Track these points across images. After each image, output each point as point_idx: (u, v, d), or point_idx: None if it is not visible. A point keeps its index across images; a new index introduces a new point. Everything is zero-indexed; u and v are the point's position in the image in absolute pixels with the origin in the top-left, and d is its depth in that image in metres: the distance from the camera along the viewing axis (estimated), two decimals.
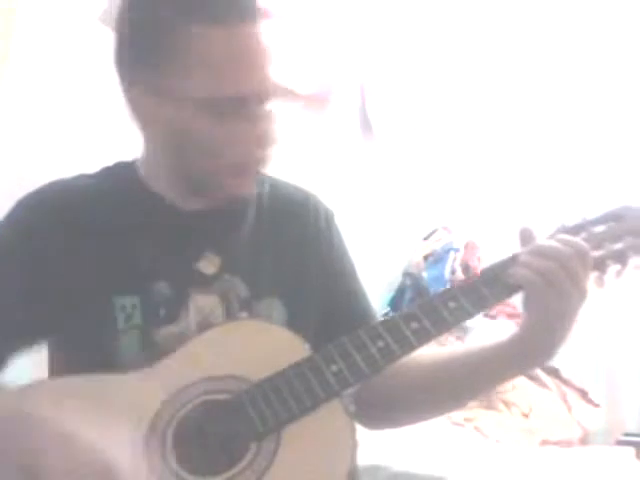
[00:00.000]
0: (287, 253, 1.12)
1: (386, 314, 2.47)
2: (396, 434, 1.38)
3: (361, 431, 1.03)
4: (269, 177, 1.16)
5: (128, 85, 1.02)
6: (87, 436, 0.86)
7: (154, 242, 1.05)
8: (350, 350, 0.96)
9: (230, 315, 1.06)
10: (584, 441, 2.35)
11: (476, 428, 2.25)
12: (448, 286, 2.66)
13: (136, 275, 1.03)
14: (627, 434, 2.53)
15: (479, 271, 1.03)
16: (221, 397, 0.96)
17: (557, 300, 0.95)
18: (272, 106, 1.02)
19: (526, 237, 1.00)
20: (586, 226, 1.02)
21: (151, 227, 1.06)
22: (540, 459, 2.11)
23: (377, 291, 2.60)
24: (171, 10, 0.98)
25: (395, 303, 2.78)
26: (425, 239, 2.92)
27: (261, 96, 1.00)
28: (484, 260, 2.79)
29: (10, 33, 1.62)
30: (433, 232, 2.92)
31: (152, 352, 1.00)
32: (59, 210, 1.05)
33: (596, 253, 0.99)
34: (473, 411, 2.28)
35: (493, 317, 2.53)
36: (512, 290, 0.98)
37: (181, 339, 1.01)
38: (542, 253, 0.96)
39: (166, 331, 1.03)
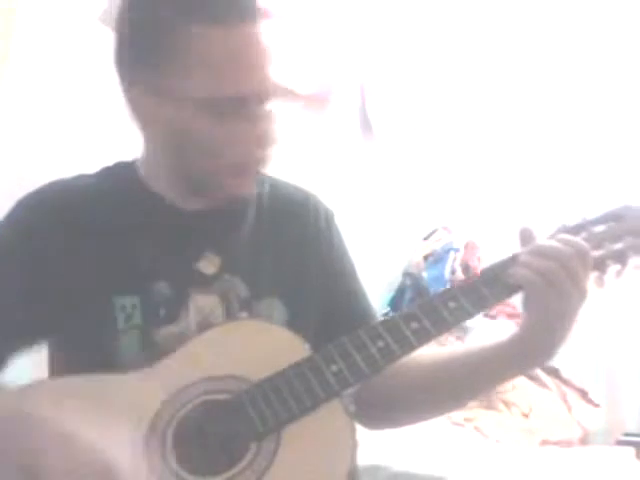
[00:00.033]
0: (287, 253, 1.12)
1: (386, 314, 2.47)
2: (396, 434, 1.38)
3: (361, 431, 1.03)
4: (269, 177, 1.16)
5: (128, 85, 1.02)
6: (87, 436, 0.86)
7: (154, 242, 1.05)
8: (350, 350, 0.96)
9: (230, 315, 1.06)
10: (584, 441, 2.35)
11: (476, 428, 2.25)
12: (448, 286, 2.66)
13: (136, 275, 1.03)
14: (627, 434, 2.53)
15: (479, 271, 1.03)
16: (221, 397, 0.96)
17: (557, 300, 0.95)
18: (272, 106, 1.02)
19: (526, 237, 1.00)
20: (586, 226, 1.02)
21: (151, 227, 1.06)
22: (540, 459, 2.11)
23: (377, 291, 2.60)
24: (171, 10, 0.98)
25: (395, 303, 2.78)
26: (425, 239, 2.92)
27: (261, 96, 1.00)
28: (484, 260, 2.79)
29: (10, 33, 1.62)
30: (433, 232, 2.92)
31: (152, 352, 1.00)
32: (59, 210, 1.05)
33: (596, 253, 0.99)
34: (473, 411, 2.28)
35: (493, 317, 2.53)
36: (512, 290, 0.98)
37: (181, 339, 1.01)
38: (542, 253, 0.96)
39: (166, 331, 1.03)
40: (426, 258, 2.83)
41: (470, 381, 1.05)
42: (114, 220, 1.05)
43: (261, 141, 1.01)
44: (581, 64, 2.88)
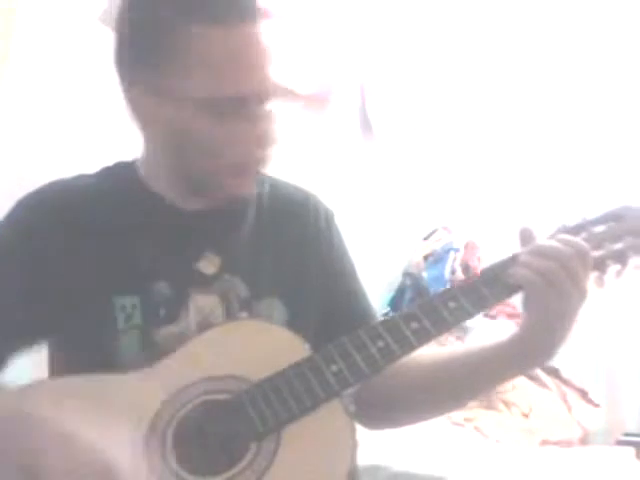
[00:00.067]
0: (287, 253, 1.12)
1: (386, 314, 2.47)
2: (396, 434, 1.38)
3: (361, 431, 1.03)
4: (269, 177, 1.16)
5: (128, 85, 1.02)
6: (87, 436, 0.86)
7: (154, 242, 1.05)
8: (350, 350, 0.96)
9: (230, 315, 1.05)
10: (584, 441, 2.35)
11: (476, 428, 2.25)
12: (448, 286, 2.67)
13: (136, 275, 1.03)
14: (627, 434, 2.53)
15: (479, 271, 1.03)
16: (221, 397, 0.96)
17: (557, 300, 0.95)
18: (272, 106, 1.02)
19: (526, 237, 1.00)
20: (586, 226, 1.01)
21: (151, 227, 1.06)
22: (540, 459, 2.10)
23: (377, 291, 2.60)
24: (171, 10, 0.98)
25: (395, 303, 2.78)
26: (425, 239, 2.91)
27: (261, 96, 1.00)
28: (484, 260, 2.79)
29: (10, 33, 1.62)
30: (433, 232, 2.92)
31: (152, 352, 1.00)
32: (59, 210, 1.05)
33: (596, 253, 0.99)
34: (473, 411, 2.28)
35: (493, 317, 2.53)
36: (512, 290, 0.98)
37: (181, 339, 1.01)
38: (542, 253, 0.96)
39: (166, 331, 1.02)
40: (426, 258, 2.83)
41: (470, 381, 1.05)
42: (114, 220, 1.05)
43: (261, 141, 1.01)
44: (581, 64, 2.88)
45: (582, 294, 0.96)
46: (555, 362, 2.40)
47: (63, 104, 1.73)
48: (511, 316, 2.53)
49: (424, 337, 0.97)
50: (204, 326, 1.03)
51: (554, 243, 0.97)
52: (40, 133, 1.70)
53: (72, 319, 1.02)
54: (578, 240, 0.97)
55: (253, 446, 0.92)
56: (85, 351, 1.03)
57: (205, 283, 1.06)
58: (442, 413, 1.18)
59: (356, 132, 2.75)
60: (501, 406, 2.34)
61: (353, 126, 2.74)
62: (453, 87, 2.96)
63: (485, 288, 0.98)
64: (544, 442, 2.27)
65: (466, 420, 2.26)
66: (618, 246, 1.00)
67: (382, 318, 1.02)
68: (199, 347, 1.00)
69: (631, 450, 2.30)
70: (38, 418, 0.88)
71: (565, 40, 2.89)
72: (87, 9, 1.76)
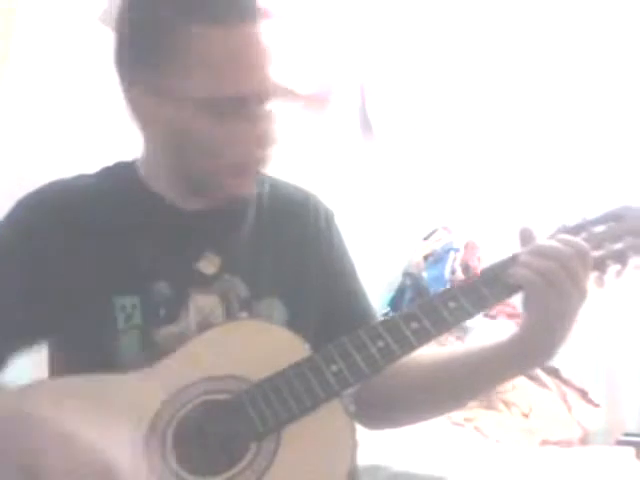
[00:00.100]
0: (287, 253, 1.12)
1: (386, 314, 2.47)
2: (396, 434, 1.38)
3: (361, 431, 1.03)
4: (269, 177, 1.16)
5: (128, 85, 1.02)
6: (87, 436, 0.86)
7: (154, 242, 1.05)
8: (350, 350, 0.96)
9: (230, 315, 1.05)
10: (584, 441, 2.35)
11: (476, 428, 2.25)
12: (448, 286, 2.67)
13: (136, 275, 1.03)
14: (627, 434, 2.53)
15: (479, 271, 1.03)
16: (221, 397, 0.96)
17: (557, 300, 0.95)
18: (272, 106, 1.02)
19: (526, 237, 1.00)
20: (586, 226, 1.01)
21: (151, 227, 1.06)
22: (540, 459, 2.10)
23: (377, 291, 2.60)
24: (171, 10, 0.98)
25: (395, 303, 2.78)
26: (425, 239, 2.91)
27: (261, 96, 1.00)
28: (484, 260, 2.79)
29: (10, 33, 1.62)
30: (433, 232, 2.92)
31: (152, 352, 1.00)
32: (59, 210, 1.05)
33: (596, 253, 0.99)
34: (473, 411, 2.28)
35: (493, 317, 2.53)
36: (512, 290, 0.98)
37: (181, 339, 1.01)
38: (542, 253, 0.96)
39: (166, 331, 1.02)
40: (426, 258, 2.83)
41: (470, 381, 1.05)
42: (114, 220, 1.05)
43: (261, 141, 1.01)
44: (581, 64, 2.88)
45: (582, 294, 0.96)
46: (555, 362, 2.40)
47: (63, 104, 1.73)
48: (511, 316, 2.53)
49: (424, 337, 0.97)
50: (204, 326, 1.03)
51: (554, 243, 0.97)
52: (40, 133, 1.70)
53: (72, 319, 1.02)
54: (578, 240, 0.97)
55: (253, 446, 0.92)
56: (85, 351, 1.03)
57: (205, 283, 1.06)
58: (442, 413, 1.18)
59: (356, 132, 2.75)
60: (501, 406, 2.34)
61: (353, 126, 2.74)
62: (453, 87, 2.96)
63: (485, 288, 0.98)
64: (544, 442, 2.27)
65: (466, 420, 2.26)
66: (618, 246, 1.00)
67: (382, 318, 1.02)
68: (199, 347, 1.00)
69: (631, 450, 2.30)
70: (38, 418, 0.88)
71: (565, 40, 2.89)
72: (87, 9, 1.76)
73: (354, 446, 0.93)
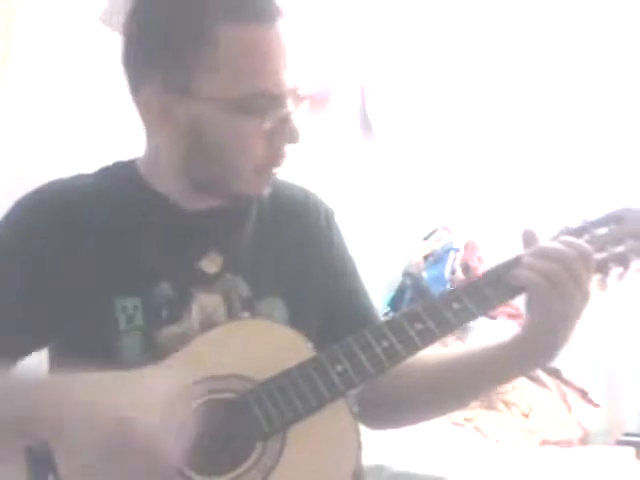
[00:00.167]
0: (288, 252, 1.11)
1: (386, 314, 2.47)
2: (396, 434, 1.37)
3: (362, 431, 1.03)
4: None
5: (139, 84, 1.01)
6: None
7: (157, 242, 1.04)
8: (355, 350, 0.96)
9: (232, 315, 1.05)
10: (584, 441, 2.35)
11: (476, 428, 2.25)
12: (448, 286, 2.67)
13: (138, 276, 1.03)
14: (627, 434, 2.53)
15: (482, 272, 1.03)
16: (225, 396, 0.96)
17: (560, 302, 0.95)
18: (295, 103, 1.01)
19: (529, 239, 1.00)
20: (589, 228, 1.02)
21: (154, 227, 1.05)
22: (540, 459, 2.11)
23: (377, 291, 2.60)
24: (197, 8, 0.97)
25: (395, 303, 2.78)
26: (425, 239, 2.92)
27: (289, 94, 0.99)
28: (484, 260, 2.79)
29: (10, 33, 1.62)
30: (433, 232, 2.92)
31: (154, 353, 1.00)
32: (58, 210, 1.04)
33: (599, 255, 0.99)
34: (473, 411, 2.28)
35: (494, 317, 2.53)
36: (515, 292, 0.98)
37: (184, 339, 1.01)
38: (545, 255, 0.96)
39: (168, 331, 1.02)
40: (426, 258, 2.83)
41: (473, 381, 1.05)
42: (114, 220, 1.04)
43: (289, 139, 1.01)
44: (581, 65, 2.88)
45: (585, 296, 0.96)
46: (556, 362, 2.40)
47: (63, 104, 1.73)
48: (512, 316, 2.53)
49: (428, 338, 0.97)
50: (207, 325, 1.03)
51: (557, 245, 0.97)
52: (40, 133, 1.70)
53: (72, 320, 1.02)
54: (581, 242, 0.98)
55: (259, 446, 0.92)
56: (86, 352, 1.02)
57: (207, 282, 1.05)
58: (445, 413, 1.19)
59: (356, 132, 2.75)
60: (501, 406, 2.34)
61: (353, 126, 2.74)
62: (453, 87, 2.96)
63: (489, 289, 0.98)
64: (544, 442, 2.28)
65: (466, 420, 2.26)
66: (620, 249, 1.00)
67: (386, 318, 1.02)
68: (202, 346, 1.00)
69: (631, 450, 2.30)
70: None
71: (565, 40, 2.89)
72: (87, 9, 1.76)
73: (359, 446, 0.93)
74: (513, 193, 2.91)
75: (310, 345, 1.01)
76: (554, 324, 0.96)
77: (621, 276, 1.00)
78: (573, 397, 2.46)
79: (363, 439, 0.95)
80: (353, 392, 1.03)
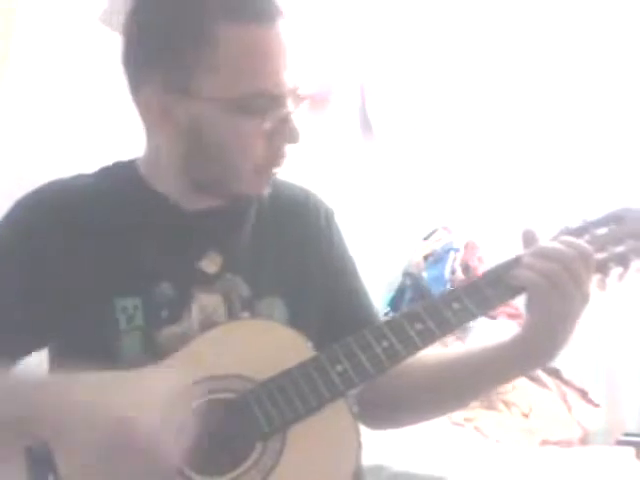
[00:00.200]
0: (288, 252, 1.11)
1: (386, 314, 2.47)
2: (396, 434, 1.37)
3: (362, 431, 1.03)
4: None
5: (139, 83, 1.01)
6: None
7: (157, 242, 1.04)
8: (355, 350, 0.96)
9: (232, 315, 1.05)
10: (584, 441, 2.35)
11: (476, 428, 2.25)
12: (448, 286, 2.67)
13: (138, 276, 1.02)
14: (627, 434, 2.53)
15: (482, 272, 1.03)
16: (225, 396, 0.96)
17: (560, 302, 0.95)
18: (295, 103, 1.01)
19: (529, 239, 1.00)
20: (589, 228, 1.02)
21: (154, 227, 1.05)
22: (540, 459, 2.11)
23: (377, 291, 2.60)
24: (197, 8, 0.97)
25: (395, 303, 2.78)
26: (425, 239, 2.92)
27: (287, 94, 0.99)
28: (484, 260, 2.79)
29: (10, 33, 1.62)
30: (433, 232, 2.92)
31: (154, 353, 1.00)
32: (58, 210, 1.04)
33: (599, 256, 0.99)
34: (473, 411, 2.28)
35: (493, 317, 2.53)
36: (516, 292, 0.98)
37: (184, 339, 1.01)
38: (545, 255, 0.96)
39: (168, 331, 1.02)
40: (426, 258, 2.83)
41: (473, 381, 1.05)
42: (114, 220, 1.04)
43: (289, 139, 1.01)
44: (581, 65, 2.88)
45: (585, 296, 0.96)
46: (556, 362, 2.40)
47: (63, 104, 1.73)
48: (512, 316, 2.53)
49: (429, 338, 0.97)
50: (207, 325, 1.03)
51: (557, 245, 0.97)
52: (40, 133, 1.70)
53: (72, 319, 1.02)
54: (581, 242, 0.98)
55: (259, 446, 0.92)
56: (86, 352, 1.02)
57: (207, 282, 1.05)
58: (445, 413, 1.19)
59: (356, 132, 2.75)
60: (501, 406, 2.34)
61: (353, 126, 2.74)
62: (453, 87, 2.96)
63: (489, 289, 0.98)
64: (544, 442, 2.28)
65: (466, 420, 2.26)
66: (620, 249, 1.00)
67: (386, 318, 1.02)
68: (202, 346, 1.00)
69: (631, 450, 2.30)
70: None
71: (565, 40, 2.89)
72: (87, 9, 1.76)
73: (359, 446, 0.93)
74: (513, 193, 2.92)
75: (310, 345, 1.01)
76: (554, 324, 0.96)
77: (621, 276, 1.00)
78: (573, 397, 2.46)
79: (363, 439, 0.95)
80: (353, 392, 1.03)
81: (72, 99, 1.74)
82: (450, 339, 2.30)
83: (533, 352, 1.00)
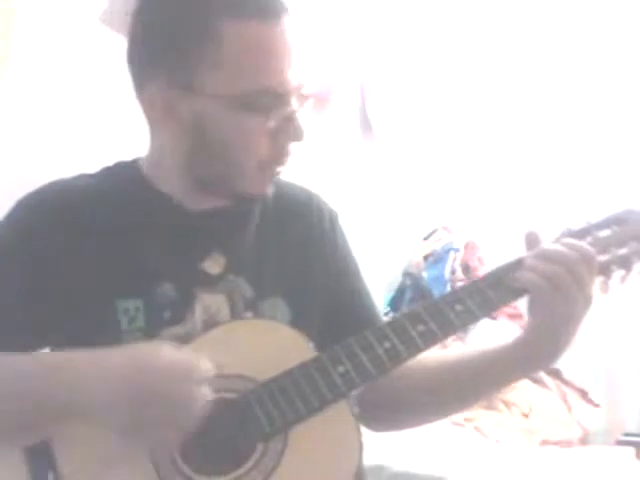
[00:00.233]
0: (291, 253, 1.11)
1: (386, 314, 2.47)
2: (397, 434, 1.37)
3: (362, 431, 1.03)
4: None
5: (144, 81, 1.00)
6: None
7: (159, 242, 1.04)
8: (357, 351, 0.96)
9: (235, 315, 1.05)
10: (584, 441, 2.35)
11: (476, 428, 2.25)
12: (448, 286, 2.67)
13: (140, 277, 1.02)
14: (627, 434, 2.53)
15: (484, 274, 1.02)
16: (227, 396, 0.95)
17: (563, 304, 0.95)
18: (299, 102, 1.01)
19: (532, 241, 1.00)
20: (591, 230, 1.01)
21: (157, 227, 1.05)
22: (540, 459, 2.11)
23: (377, 291, 2.60)
24: (201, 5, 0.97)
25: (395, 303, 2.78)
26: (425, 239, 2.92)
27: (291, 92, 0.99)
28: (484, 260, 2.79)
29: (10, 33, 1.61)
30: (433, 232, 2.92)
31: None
32: (59, 210, 1.04)
33: (602, 258, 0.99)
34: (473, 411, 2.28)
35: (494, 318, 2.53)
36: (518, 294, 0.98)
37: (186, 339, 1.01)
38: (548, 257, 0.96)
39: (170, 332, 1.02)
40: (426, 258, 2.83)
41: (474, 383, 1.05)
42: (117, 220, 1.04)
43: (294, 136, 1.01)
44: (582, 66, 2.88)
45: (587, 299, 0.96)
46: (556, 363, 2.40)
47: (63, 104, 1.73)
48: (512, 317, 2.53)
49: (431, 340, 0.97)
50: (210, 325, 1.03)
51: (560, 247, 0.97)
52: (40, 133, 1.69)
53: (74, 320, 1.01)
54: (584, 245, 0.97)
55: (260, 446, 0.92)
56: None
57: (210, 283, 1.05)
58: (446, 415, 1.19)
59: (356, 132, 2.75)
60: (501, 406, 2.34)
61: (353, 126, 2.74)
62: (453, 87, 2.96)
63: (491, 291, 0.98)
64: (544, 442, 2.28)
65: (466, 420, 2.26)
66: (623, 251, 1.00)
67: (388, 319, 1.02)
68: (204, 346, 1.00)
69: (631, 450, 2.31)
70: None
71: (565, 41, 2.89)
72: (87, 9, 1.76)
73: (361, 447, 0.93)
74: (514, 193, 2.92)
75: (312, 345, 1.01)
76: (557, 327, 0.96)
77: (624, 278, 1.00)
78: (573, 397, 2.47)
79: (363, 439, 0.95)
80: (354, 393, 1.03)
81: (72, 99, 1.74)
82: (450, 339, 2.30)
83: (535, 355, 1.00)
